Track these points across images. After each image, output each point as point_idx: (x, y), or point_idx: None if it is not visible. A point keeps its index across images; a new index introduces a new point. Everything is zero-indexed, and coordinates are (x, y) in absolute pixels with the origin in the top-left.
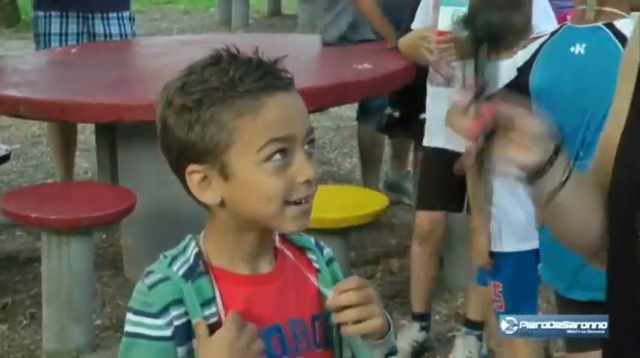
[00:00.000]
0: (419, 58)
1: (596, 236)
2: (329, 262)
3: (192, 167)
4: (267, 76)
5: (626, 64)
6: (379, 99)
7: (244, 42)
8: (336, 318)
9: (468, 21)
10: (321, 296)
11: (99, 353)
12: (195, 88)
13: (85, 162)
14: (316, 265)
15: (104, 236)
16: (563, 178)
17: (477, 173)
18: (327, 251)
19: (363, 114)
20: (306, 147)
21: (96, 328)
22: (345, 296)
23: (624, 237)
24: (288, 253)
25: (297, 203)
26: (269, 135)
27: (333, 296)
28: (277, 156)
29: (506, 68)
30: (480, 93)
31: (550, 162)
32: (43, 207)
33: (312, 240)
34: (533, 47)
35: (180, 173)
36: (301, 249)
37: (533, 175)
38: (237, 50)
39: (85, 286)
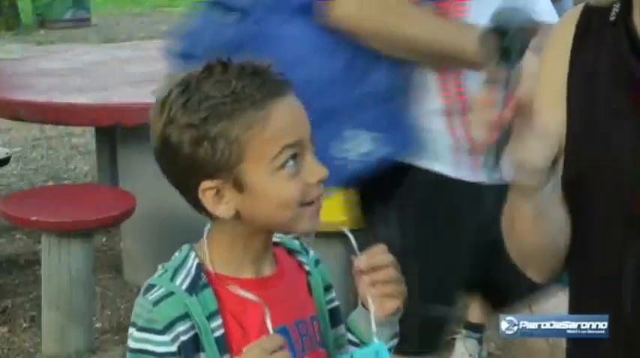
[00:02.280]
0: None
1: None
2: (316, 264)
3: (205, 184)
4: (267, 83)
5: (548, 81)
6: None
7: None
8: (372, 277)
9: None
10: (313, 296)
11: (98, 356)
12: (200, 106)
13: (85, 165)
14: (306, 267)
15: (104, 239)
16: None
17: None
18: (312, 253)
19: None
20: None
21: (96, 331)
22: (380, 257)
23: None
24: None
25: (310, 203)
26: (282, 142)
27: (366, 257)
28: (290, 162)
29: None
30: (507, 85)
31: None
32: (43, 210)
33: (298, 242)
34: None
35: (185, 188)
36: (291, 252)
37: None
38: (228, 59)
39: (84, 289)
